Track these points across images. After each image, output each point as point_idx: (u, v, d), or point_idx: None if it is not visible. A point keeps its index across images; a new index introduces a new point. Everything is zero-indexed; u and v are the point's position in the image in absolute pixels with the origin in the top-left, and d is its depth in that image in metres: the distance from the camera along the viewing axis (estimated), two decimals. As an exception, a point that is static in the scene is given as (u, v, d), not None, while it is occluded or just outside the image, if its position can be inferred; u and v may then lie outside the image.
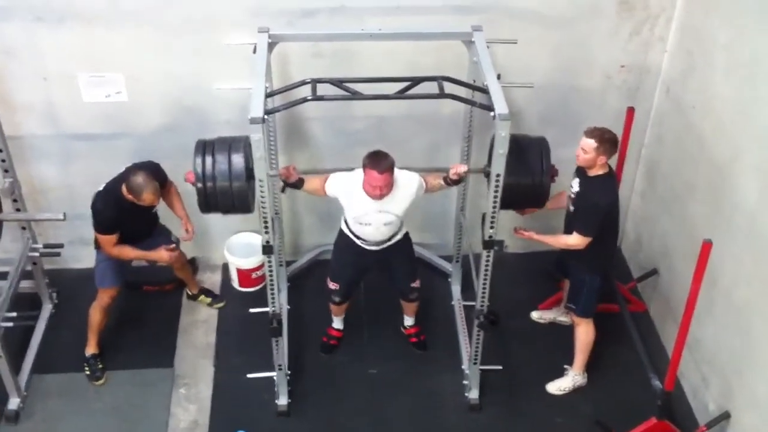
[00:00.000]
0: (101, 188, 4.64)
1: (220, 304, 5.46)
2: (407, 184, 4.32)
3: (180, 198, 4.90)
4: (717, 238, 4.06)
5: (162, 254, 4.79)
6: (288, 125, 5.17)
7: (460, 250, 5.47)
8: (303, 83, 4.02)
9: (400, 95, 3.95)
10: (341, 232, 4.65)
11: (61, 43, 4.73)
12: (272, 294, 4.34)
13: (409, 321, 5.18)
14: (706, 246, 3.86)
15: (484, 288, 4.38)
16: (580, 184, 4.43)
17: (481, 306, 4.45)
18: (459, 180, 4.31)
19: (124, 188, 4.49)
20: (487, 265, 4.29)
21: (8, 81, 4.80)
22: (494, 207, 4.04)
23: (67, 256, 5.38)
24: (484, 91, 3.99)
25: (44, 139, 5.10)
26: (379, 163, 4.13)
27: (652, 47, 5.03)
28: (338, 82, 3.95)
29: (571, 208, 4.51)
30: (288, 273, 5.57)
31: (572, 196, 4.49)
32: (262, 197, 3.92)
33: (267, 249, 4.12)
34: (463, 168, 4.24)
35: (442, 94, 3.92)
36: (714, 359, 4.54)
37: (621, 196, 5.21)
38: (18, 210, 4.86)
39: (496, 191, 3.98)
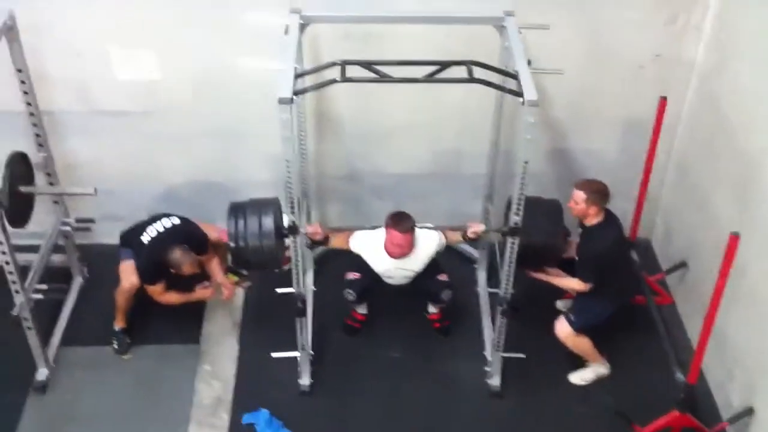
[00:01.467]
0: (144, 241, 4.86)
1: (248, 284, 5.49)
2: (427, 243, 4.65)
3: (220, 264, 5.15)
4: (745, 233, 4.00)
5: (206, 293, 5.04)
6: (317, 110, 5.20)
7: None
8: (333, 64, 4.01)
9: (431, 79, 3.94)
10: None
11: (93, 18, 4.76)
12: (297, 275, 4.37)
13: (432, 308, 5.19)
14: (733, 239, 3.81)
15: (508, 275, 4.38)
16: (580, 234, 4.61)
17: (505, 293, 4.44)
18: (477, 238, 4.55)
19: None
20: (512, 253, 4.28)
21: (42, 56, 4.81)
22: (520, 193, 4.02)
23: (97, 231, 5.45)
24: (514, 77, 3.97)
25: (77, 115, 5.17)
26: (401, 223, 4.47)
27: (687, 37, 4.95)
28: (367, 64, 3.95)
29: (576, 256, 4.65)
30: (314, 255, 5.60)
31: (578, 243, 4.65)
32: (289, 180, 3.94)
33: (292, 229, 4.16)
34: (481, 227, 4.50)
35: (472, 79, 3.89)
36: (739, 354, 4.49)
37: (651, 188, 5.23)
38: (51, 184, 4.94)
39: (522, 178, 3.97)
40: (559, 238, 4.52)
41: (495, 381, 4.83)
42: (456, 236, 4.61)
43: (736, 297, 4.38)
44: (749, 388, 4.39)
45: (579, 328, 4.68)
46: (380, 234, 4.59)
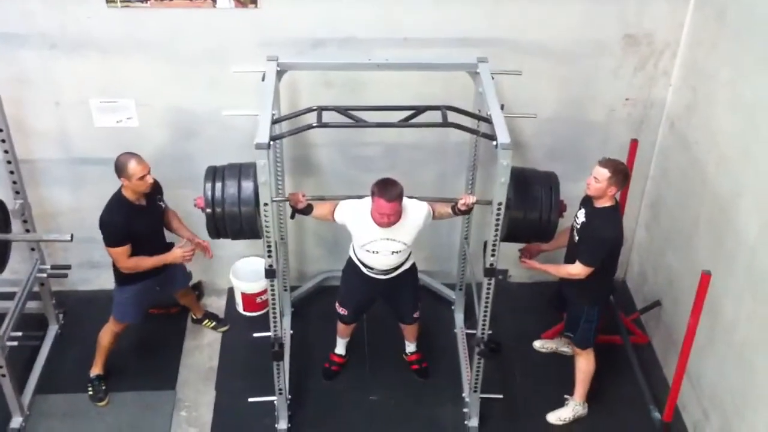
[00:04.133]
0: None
1: (224, 328, 5.50)
2: (415, 212, 4.34)
3: (180, 219, 4.90)
4: (719, 273, 4.09)
5: (176, 252, 4.63)
6: (296, 152, 5.24)
7: (464, 278, 5.50)
8: (309, 110, 4.09)
9: (405, 123, 4.01)
10: (350, 259, 4.70)
11: (75, 70, 4.83)
12: (275, 318, 4.38)
13: (410, 347, 5.18)
14: (705, 277, 3.88)
15: (485, 316, 4.40)
16: (587, 215, 4.43)
17: (482, 334, 4.47)
18: (468, 210, 4.33)
19: (121, 189, 4.48)
20: (488, 293, 4.31)
21: (23, 106, 4.89)
22: (495, 236, 4.07)
23: (74, 278, 5.44)
24: (488, 120, 4.04)
25: (56, 163, 5.20)
26: (388, 191, 4.13)
27: (657, 82, 5.08)
28: (343, 110, 4.01)
29: (576, 237, 4.50)
30: (292, 298, 5.61)
31: (577, 226, 4.49)
32: (266, 222, 3.97)
33: (270, 273, 4.17)
34: (472, 199, 4.24)
35: (445, 123, 3.97)
36: (715, 395, 4.53)
37: (626, 228, 5.23)
38: (27, 231, 4.93)
39: (497, 220, 4.02)
40: (555, 213, 4.24)
41: (473, 422, 4.83)
42: (445, 208, 4.38)
43: (711, 336, 4.44)
44: (725, 427, 4.42)
45: (582, 341, 4.67)
46: (367, 203, 4.28)
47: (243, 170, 4.17)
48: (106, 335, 4.94)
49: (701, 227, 4.68)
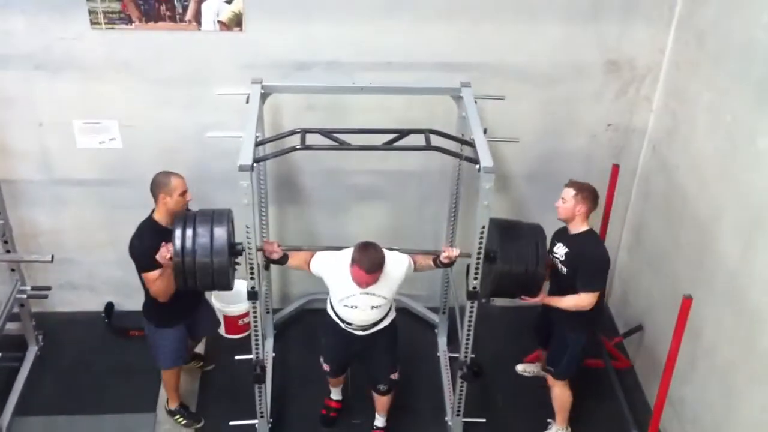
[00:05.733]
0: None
1: (210, 367, 5.41)
2: (396, 266, 4.21)
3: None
4: (700, 297, 4.11)
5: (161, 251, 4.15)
6: (279, 177, 5.25)
7: (447, 302, 5.51)
8: (293, 133, 4.10)
9: (388, 146, 4.03)
10: (328, 315, 4.50)
11: (58, 91, 4.83)
12: (257, 340, 4.35)
13: (379, 421, 4.91)
14: (686, 302, 3.90)
15: (467, 339, 4.40)
16: (567, 245, 4.41)
17: (465, 357, 4.46)
18: (450, 263, 4.25)
19: (151, 214, 4.35)
20: (471, 317, 4.31)
21: (5, 126, 4.89)
22: (478, 259, 4.08)
23: (54, 300, 5.41)
24: (471, 144, 4.07)
25: (37, 184, 5.17)
26: (369, 262, 4.00)
27: (639, 107, 5.13)
28: (327, 133, 4.03)
29: (564, 270, 4.41)
30: (275, 320, 5.59)
31: (561, 258, 4.42)
32: (249, 244, 3.96)
33: (252, 295, 4.15)
34: (455, 252, 4.16)
35: (428, 146, 3.99)
36: (696, 418, 4.53)
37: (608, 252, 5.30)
38: (8, 251, 4.89)
39: (480, 243, 4.03)
40: (542, 267, 4.15)
41: (456, 447, 4.82)
42: (427, 261, 4.28)
43: (692, 359, 4.45)
44: (706, 449, 4.43)
45: (564, 373, 4.65)
46: (345, 256, 4.11)
47: (216, 217, 3.99)
48: (167, 383, 4.89)
49: (682, 251, 4.71)
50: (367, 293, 4.19)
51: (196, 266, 3.91)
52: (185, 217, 4.02)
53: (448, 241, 5.18)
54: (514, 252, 4.10)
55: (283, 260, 4.21)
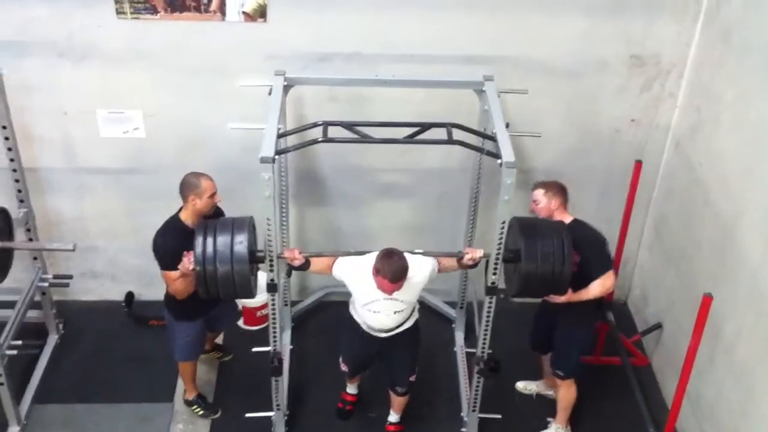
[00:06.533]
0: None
1: (227, 358, 5.42)
2: (419, 272, 4.19)
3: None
4: (720, 295, 4.07)
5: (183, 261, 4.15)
6: (299, 171, 5.27)
7: (465, 297, 5.49)
8: (315, 125, 4.09)
9: (410, 140, 4.02)
10: (350, 316, 4.50)
11: (82, 80, 4.85)
12: (274, 333, 4.36)
13: (393, 417, 4.92)
14: (707, 300, 3.87)
15: (485, 334, 4.38)
16: None
17: (482, 353, 4.45)
18: (474, 265, 4.20)
19: (178, 212, 4.35)
20: (489, 312, 4.29)
21: (29, 115, 4.91)
22: (498, 254, 4.06)
23: (76, 288, 5.45)
24: (492, 138, 4.05)
25: (61, 172, 5.21)
26: (393, 272, 3.97)
27: (663, 103, 5.09)
28: (349, 125, 4.02)
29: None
30: (293, 313, 5.60)
31: None
32: (269, 236, 3.96)
33: (271, 287, 4.15)
34: (479, 253, 4.11)
35: (450, 140, 3.97)
36: (714, 416, 4.50)
37: (628, 249, 5.29)
38: (30, 240, 4.93)
39: (500, 238, 4.01)
40: (568, 266, 4.04)
41: (471, 442, 4.81)
42: (451, 262, 4.24)
43: (711, 357, 4.42)
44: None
45: (572, 371, 4.63)
46: (368, 261, 4.08)
47: (236, 228, 3.95)
48: (183, 374, 4.93)
49: (704, 248, 4.68)
50: (391, 299, 4.19)
51: (217, 276, 3.91)
52: (206, 225, 3.99)
53: (468, 237, 5.17)
54: (539, 252, 4.03)
55: (305, 266, 4.18)
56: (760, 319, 4.05)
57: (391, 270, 3.98)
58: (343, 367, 4.76)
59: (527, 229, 4.09)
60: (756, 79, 4.17)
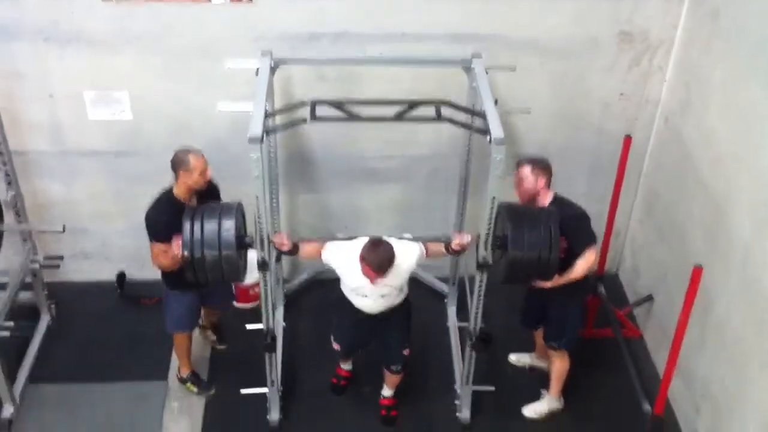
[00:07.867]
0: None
1: (222, 347, 5.40)
2: (406, 258, 4.24)
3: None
4: (711, 268, 4.10)
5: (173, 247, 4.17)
6: (291, 155, 5.26)
7: (457, 272, 5.52)
8: (302, 104, 4.07)
9: (399, 118, 4.01)
10: (342, 296, 4.52)
11: (69, 63, 4.82)
12: (267, 310, 4.38)
13: (387, 392, 4.94)
14: (697, 271, 3.90)
15: (477, 309, 4.41)
16: None
17: (474, 327, 4.48)
18: (462, 251, 4.25)
19: (172, 187, 4.34)
20: (480, 287, 4.32)
21: (16, 99, 4.89)
22: (488, 230, 4.08)
23: (67, 269, 5.45)
24: (481, 115, 4.04)
25: (49, 155, 5.19)
26: (379, 262, 4.04)
27: (652, 77, 5.09)
28: (337, 104, 4.00)
29: None
30: (285, 290, 5.62)
31: None
32: (259, 217, 3.96)
33: (262, 265, 4.16)
34: (466, 239, 4.16)
35: (439, 118, 3.97)
36: (706, 388, 4.55)
37: (619, 222, 5.31)
38: (19, 222, 4.92)
39: (491, 216, 4.02)
40: (555, 252, 4.04)
41: (465, 414, 4.86)
42: (438, 248, 4.29)
43: (702, 330, 4.46)
44: (716, 420, 4.45)
45: (569, 343, 4.66)
46: (356, 246, 4.14)
47: (224, 213, 3.99)
48: (177, 347, 4.94)
49: (695, 222, 4.70)
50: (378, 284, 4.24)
51: (205, 261, 3.95)
52: (193, 212, 4.02)
53: (459, 217, 5.18)
54: (525, 238, 4.03)
55: (293, 252, 4.24)
56: (751, 295, 4.07)
57: (377, 261, 4.05)
58: (335, 346, 4.79)
59: (515, 216, 4.09)
60: (743, 57, 4.17)
